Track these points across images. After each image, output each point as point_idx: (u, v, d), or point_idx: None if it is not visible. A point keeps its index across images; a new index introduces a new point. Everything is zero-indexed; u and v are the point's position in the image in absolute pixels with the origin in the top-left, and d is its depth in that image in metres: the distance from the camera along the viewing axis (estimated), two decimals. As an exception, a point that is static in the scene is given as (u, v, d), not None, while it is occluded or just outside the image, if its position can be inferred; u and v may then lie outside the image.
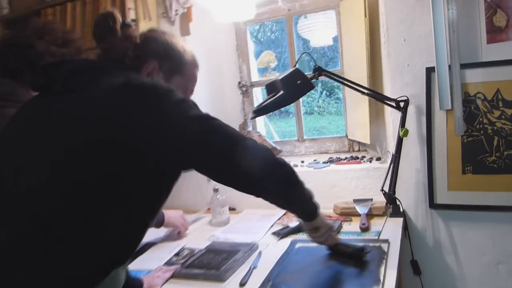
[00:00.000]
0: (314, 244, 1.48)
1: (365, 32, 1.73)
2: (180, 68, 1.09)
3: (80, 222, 0.85)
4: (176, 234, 1.79)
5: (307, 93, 1.41)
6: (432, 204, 1.69)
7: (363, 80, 1.74)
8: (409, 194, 1.74)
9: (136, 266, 1.55)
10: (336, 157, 2.04)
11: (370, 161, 1.91)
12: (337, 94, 6.16)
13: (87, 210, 0.85)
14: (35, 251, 0.83)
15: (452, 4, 1.50)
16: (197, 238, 1.78)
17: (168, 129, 0.89)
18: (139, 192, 0.93)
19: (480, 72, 1.52)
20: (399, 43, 1.65)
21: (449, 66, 1.54)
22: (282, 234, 1.66)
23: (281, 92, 1.39)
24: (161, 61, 1.05)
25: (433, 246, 1.73)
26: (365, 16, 1.73)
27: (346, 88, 2.00)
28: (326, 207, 1.85)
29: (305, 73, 1.42)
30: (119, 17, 1.06)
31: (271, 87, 1.47)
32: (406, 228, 1.71)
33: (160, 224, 1.69)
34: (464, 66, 1.53)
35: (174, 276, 1.42)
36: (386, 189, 1.69)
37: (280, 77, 1.40)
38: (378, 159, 1.91)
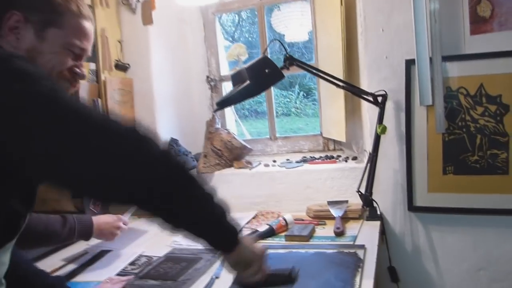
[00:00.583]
0: (286, 250, 1.36)
1: (341, 22, 1.61)
2: (56, 19, 0.86)
3: None
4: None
5: (276, 83, 1.28)
6: (411, 207, 1.58)
7: (339, 74, 1.62)
8: (387, 196, 1.62)
9: (85, 277, 1.38)
10: (310, 157, 1.92)
11: (346, 161, 1.79)
12: (314, 95, 6.08)
13: None
14: None
15: (433, -8, 1.39)
16: (157, 244, 1.61)
17: None
18: None
19: (463, 65, 1.42)
20: (377, 34, 1.53)
21: (430, 59, 1.43)
22: (250, 239, 1.51)
23: (247, 82, 1.25)
24: (27, 11, 0.84)
25: (412, 252, 1.62)
26: (341, 4, 1.61)
27: (321, 84, 1.88)
28: (298, 210, 1.73)
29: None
30: None
31: (237, 77, 1.33)
32: (383, 232, 1.59)
33: (87, 235, 1.41)
34: (446, 58, 1.43)
35: (126, 288, 1.26)
36: (363, 190, 1.57)
37: (246, 66, 1.26)
38: (354, 158, 1.79)
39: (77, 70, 0.91)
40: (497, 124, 1.41)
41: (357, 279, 1.12)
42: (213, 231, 0.87)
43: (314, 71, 1.43)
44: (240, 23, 7.50)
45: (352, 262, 1.22)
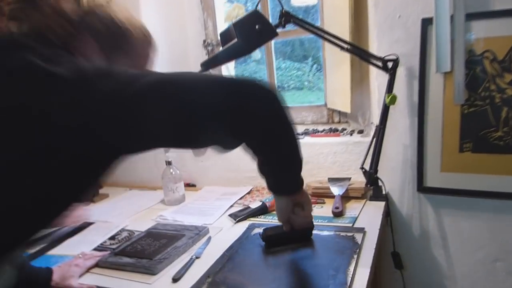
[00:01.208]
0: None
1: (350, -25, 1.41)
2: (124, 46, 0.85)
3: None
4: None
5: (268, 41, 1.11)
6: (421, 187, 1.41)
7: (345, 36, 1.43)
8: (394, 174, 1.46)
9: (61, 250, 1.28)
10: (313, 129, 1.75)
11: (351, 134, 1.62)
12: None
13: None
14: None
15: None
16: (143, 218, 1.50)
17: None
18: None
19: (490, 24, 1.22)
20: (391, -12, 1.34)
21: (451, 17, 1.23)
22: (239, 216, 1.38)
23: (235, 40, 1.09)
24: (98, 38, 0.81)
25: (419, 237, 1.47)
26: (351, -45, 1.41)
27: (327, 48, 1.70)
28: (297, 187, 1.57)
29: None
30: None
31: (226, 36, 1.16)
32: (388, 214, 1.43)
33: None
34: (470, 16, 1.22)
35: (99, 265, 1.14)
36: (367, 167, 1.41)
37: (234, 21, 1.09)
38: (360, 132, 1.62)
39: None
40: (526, 95, 1.22)
41: (352, 267, 0.97)
42: (298, 174, 0.97)
43: (314, 30, 1.25)
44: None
45: (348, 247, 1.08)
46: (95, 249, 1.26)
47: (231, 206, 1.52)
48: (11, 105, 0.62)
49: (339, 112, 1.75)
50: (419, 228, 1.46)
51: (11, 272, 0.85)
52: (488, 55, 1.23)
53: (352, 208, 1.36)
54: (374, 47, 1.41)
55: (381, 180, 1.41)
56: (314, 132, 1.70)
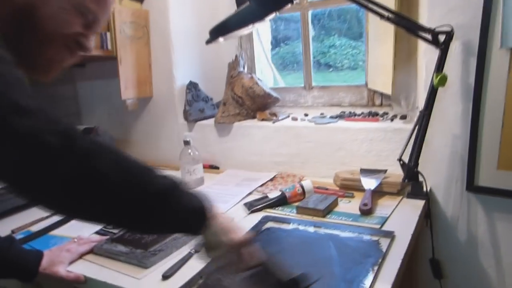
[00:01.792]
0: (292, 226, 1.08)
1: None
2: None
3: None
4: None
5: (285, 7, 0.93)
6: (472, 186, 1.19)
7: (390, 4, 1.21)
8: (439, 169, 1.24)
9: (62, 231, 1.22)
10: (350, 112, 1.55)
11: (392, 120, 1.40)
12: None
13: None
14: None
15: None
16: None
17: None
18: None
19: None
20: None
21: (523, -22, 0.98)
22: (254, 206, 1.24)
23: (248, 3, 0.92)
24: None
25: (466, 243, 1.25)
26: None
27: (370, 20, 1.47)
28: (326, 175, 1.41)
29: None
30: None
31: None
32: (428, 215, 1.22)
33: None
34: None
35: (94, 251, 1.06)
36: (406, 159, 1.20)
37: (248, -19, 0.92)
38: (403, 117, 1.40)
39: (83, 41, 0.72)
40: None
41: (368, 281, 0.80)
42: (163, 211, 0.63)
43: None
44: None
45: (370, 254, 0.91)
46: (97, 232, 1.18)
47: (250, 193, 1.38)
48: None
49: (381, 94, 1.53)
50: (465, 233, 1.24)
51: None
52: None
53: (385, 206, 1.17)
54: (425, 17, 1.18)
55: (422, 175, 1.20)
56: (351, 116, 1.51)
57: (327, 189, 1.31)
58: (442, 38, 1.11)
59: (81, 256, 1.04)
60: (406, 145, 1.21)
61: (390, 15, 1.08)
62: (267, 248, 0.89)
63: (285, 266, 0.74)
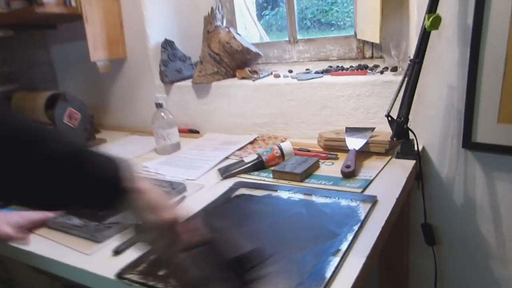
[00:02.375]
0: (265, 191, 0.98)
1: None
2: None
3: None
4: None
5: None
6: (469, 142, 1.06)
7: None
8: (433, 125, 1.11)
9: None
10: (337, 66, 1.41)
11: (382, 72, 1.26)
12: None
13: None
14: None
15: None
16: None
17: None
18: None
19: None
20: None
21: None
22: (228, 171, 1.13)
23: None
24: None
25: (462, 206, 1.14)
26: None
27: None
28: (311, 136, 1.29)
29: None
30: None
31: None
32: (420, 176, 1.11)
33: None
34: None
35: (48, 225, 0.96)
36: (395, 114, 1.07)
37: None
38: (395, 69, 1.25)
39: None
40: None
41: (339, 254, 0.69)
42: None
43: None
44: None
45: (346, 222, 0.80)
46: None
47: (226, 158, 1.27)
48: None
49: (372, 45, 1.38)
50: (462, 195, 1.13)
51: None
52: None
53: (370, 168, 1.05)
54: None
55: (413, 132, 1.07)
56: (338, 70, 1.36)
57: (309, 151, 1.19)
58: (435, -28, 0.95)
59: (33, 224, 0.94)
60: (395, 99, 1.07)
61: None
62: (222, 220, 0.78)
63: (237, 241, 0.63)
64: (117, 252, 0.81)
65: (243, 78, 1.46)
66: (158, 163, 1.30)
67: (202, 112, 1.56)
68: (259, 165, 1.14)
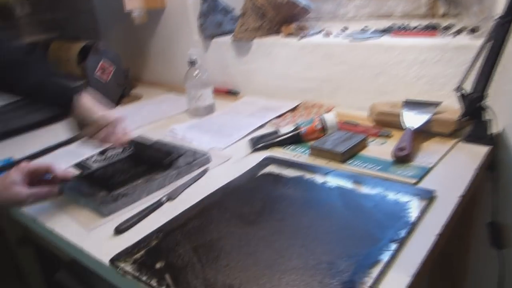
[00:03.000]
0: (296, 172, 0.83)
1: None
2: None
3: None
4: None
5: None
6: None
7: None
8: (517, 104, 0.88)
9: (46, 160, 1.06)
10: (400, 25, 1.18)
11: (456, 35, 1.03)
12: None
13: None
14: None
15: None
16: (156, 130, 1.20)
17: None
18: None
19: None
20: None
21: None
22: (259, 143, 0.99)
23: None
24: None
25: (543, 206, 0.92)
26: None
27: None
28: (361, 107, 1.11)
29: None
30: None
31: None
32: (493, 166, 0.90)
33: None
34: None
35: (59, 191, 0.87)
36: (468, 88, 0.86)
37: None
38: (473, 30, 1.01)
39: None
40: None
41: (376, 269, 0.54)
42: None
43: None
44: None
45: (391, 224, 0.63)
46: (77, 165, 1.00)
47: (261, 126, 1.12)
48: None
49: (448, 1, 1.14)
50: (545, 192, 0.91)
51: None
52: None
53: (430, 152, 0.86)
54: None
55: (491, 111, 0.86)
56: (400, 29, 1.14)
57: (357, 125, 1.01)
58: None
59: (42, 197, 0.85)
60: (470, 68, 0.85)
61: None
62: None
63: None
64: (120, 230, 0.71)
65: (288, 34, 1.28)
66: (187, 127, 1.18)
67: (242, 72, 1.41)
68: (296, 138, 0.98)
